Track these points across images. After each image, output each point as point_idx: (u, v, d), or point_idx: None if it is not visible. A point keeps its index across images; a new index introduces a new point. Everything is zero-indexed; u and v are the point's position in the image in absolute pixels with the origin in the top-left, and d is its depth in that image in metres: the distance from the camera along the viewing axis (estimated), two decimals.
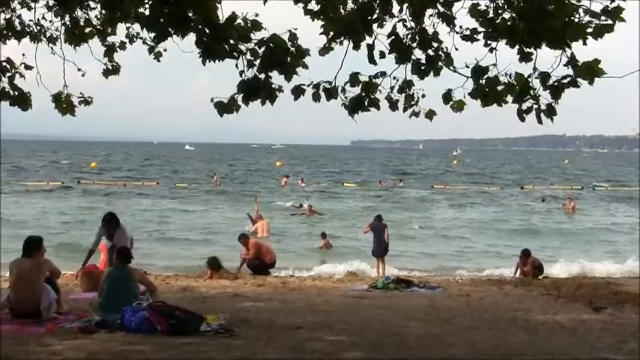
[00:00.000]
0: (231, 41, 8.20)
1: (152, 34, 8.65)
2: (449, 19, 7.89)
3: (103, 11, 9.50)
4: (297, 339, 10.10)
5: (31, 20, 10.13)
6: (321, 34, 8.19)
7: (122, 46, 10.47)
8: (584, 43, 7.33)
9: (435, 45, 8.12)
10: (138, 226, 33.69)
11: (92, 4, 9.53)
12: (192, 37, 8.19)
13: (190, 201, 49.21)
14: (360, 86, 8.30)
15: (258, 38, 8.21)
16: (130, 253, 12.38)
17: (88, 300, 12.46)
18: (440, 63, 8.12)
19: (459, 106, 8.13)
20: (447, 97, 8.08)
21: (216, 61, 8.30)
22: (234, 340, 9.97)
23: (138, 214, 39.76)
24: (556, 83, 7.57)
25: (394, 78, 8.29)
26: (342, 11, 8.28)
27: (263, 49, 8.17)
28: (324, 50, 8.25)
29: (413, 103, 8.40)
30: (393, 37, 8.07)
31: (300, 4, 8.32)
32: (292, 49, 8.18)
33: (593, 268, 24.92)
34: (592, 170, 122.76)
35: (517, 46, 7.67)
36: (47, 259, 11.99)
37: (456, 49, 8.06)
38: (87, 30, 9.98)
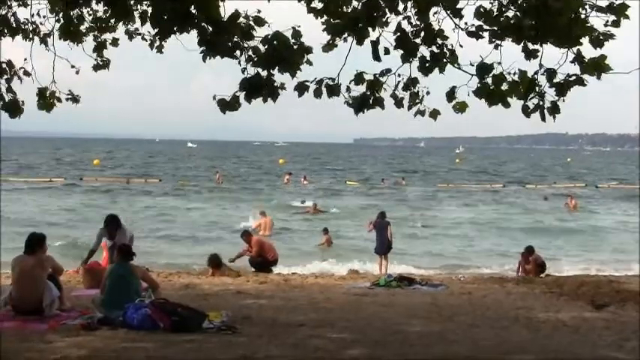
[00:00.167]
0: (235, 38, 8.20)
1: (154, 31, 8.64)
2: (455, 12, 7.87)
3: (105, 8, 9.49)
4: (300, 336, 10.10)
5: (26, 19, 10.14)
6: (324, 30, 8.18)
7: (114, 42, 10.51)
8: (595, 47, 7.33)
9: (440, 42, 8.11)
10: (140, 223, 33.76)
11: (94, 2, 9.54)
12: (194, 34, 8.18)
13: (193, 198, 49.27)
14: (364, 85, 8.29)
15: (261, 35, 8.21)
16: (132, 250, 12.39)
17: (90, 297, 12.47)
18: (445, 60, 8.10)
19: (461, 108, 8.13)
20: (451, 95, 8.08)
21: (219, 57, 8.30)
22: (236, 338, 9.97)
23: (140, 212, 39.85)
24: (562, 81, 7.57)
25: (398, 75, 8.29)
26: (345, 9, 8.26)
27: (266, 46, 8.16)
28: (328, 47, 8.23)
29: (418, 101, 8.40)
30: (398, 33, 8.05)
31: (303, 2, 8.31)
32: (295, 46, 8.17)
33: (595, 266, 24.98)
34: (595, 169, 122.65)
35: (522, 44, 7.66)
36: (49, 256, 12.00)
37: (461, 45, 8.05)
38: (81, 27, 10.01)
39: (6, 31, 9.91)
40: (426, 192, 59.08)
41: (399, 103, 8.42)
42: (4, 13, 9.95)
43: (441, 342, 10.10)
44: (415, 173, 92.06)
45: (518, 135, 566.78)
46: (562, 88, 7.59)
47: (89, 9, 9.91)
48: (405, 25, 8.10)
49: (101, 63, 10.61)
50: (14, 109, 9.87)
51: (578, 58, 7.45)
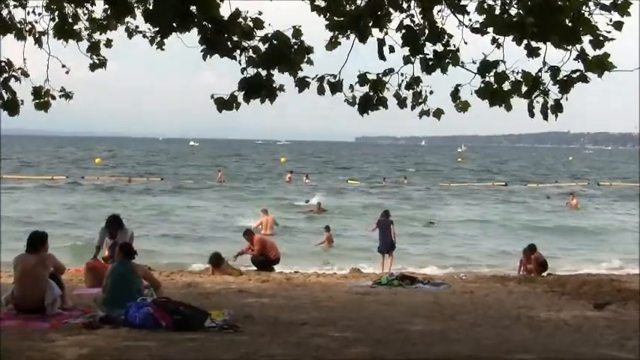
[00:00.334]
0: (235, 38, 8.20)
1: (155, 29, 8.65)
2: (459, 9, 7.86)
3: (106, 7, 9.50)
4: (302, 335, 10.10)
5: (22, 19, 10.15)
6: (327, 28, 8.17)
7: (108, 43, 10.53)
8: (595, 48, 7.33)
9: (444, 40, 8.10)
10: (142, 222, 33.76)
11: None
12: (195, 32, 8.19)
13: (195, 197, 49.21)
14: (368, 85, 8.30)
15: (261, 35, 8.20)
16: (133, 249, 12.39)
17: (92, 296, 12.49)
18: (447, 59, 8.10)
19: (463, 107, 8.14)
20: (455, 94, 8.08)
21: (219, 56, 8.29)
22: (238, 336, 9.98)
23: (142, 210, 39.81)
24: (565, 78, 7.57)
25: (402, 75, 8.30)
26: (348, 7, 8.26)
27: (266, 45, 8.16)
28: (331, 45, 8.23)
29: (421, 100, 8.40)
30: (404, 30, 8.04)
31: (307, 1, 8.31)
32: (296, 46, 8.17)
33: (597, 264, 24.97)
34: (596, 167, 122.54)
35: (525, 42, 7.65)
36: (51, 255, 12.01)
37: (465, 42, 8.05)
38: (75, 27, 10.03)
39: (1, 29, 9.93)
40: (428, 191, 59.04)
41: (402, 102, 8.42)
42: (4, 13, 9.98)
43: (442, 341, 10.10)
44: (417, 172, 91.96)
45: (519, 134, 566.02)
46: (565, 86, 7.60)
47: (84, 9, 9.94)
48: (408, 23, 8.10)
49: (98, 62, 10.64)
50: (13, 107, 9.91)
51: (582, 56, 7.45)
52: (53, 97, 10.28)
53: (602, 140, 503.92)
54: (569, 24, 7.37)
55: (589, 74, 7.54)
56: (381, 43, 8.04)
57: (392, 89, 8.37)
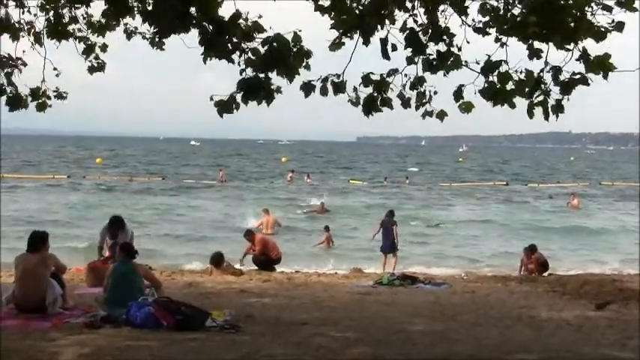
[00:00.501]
0: (234, 39, 8.18)
1: (154, 29, 8.63)
2: (462, 10, 7.86)
3: (106, 6, 9.49)
4: (303, 335, 10.10)
5: (23, 18, 10.16)
6: (331, 28, 8.16)
7: (104, 48, 10.54)
8: (597, 40, 7.32)
9: (447, 39, 8.09)
10: (143, 222, 33.78)
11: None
12: (195, 33, 8.18)
13: (196, 196, 49.21)
14: (372, 86, 8.29)
15: (261, 37, 8.18)
16: (134, 248, 12.39)
17: (93, 295, 12.49)
18: (450, 60, 8.08)
19: (467, 108, 8.13)
20: (458, 94, 8.07)
21: (218, 59, 8.28)
22: (239, 336, 9.97)
23: (143, 209, 39.81)
24: (567, 79, 7.56)
25: (405, 75, 8.29)
26: (353, 6, 8.24)
27: (265, 47, 8.14)
28: (335, 45, 8.21)
29: (425, 100, 8.39)
30: (407, 30, 8.03)
31: (311, 1, 8.29)
32: (295, 49, 8.13)
33: (598, 264, 24.96)
34: (598, 167, 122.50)
35: (527, 43, 7.64)
36: (52, 254, 12.01)
37: (468, 42, 8.04)
38: (69, 27, 10.04)
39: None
40: (430, 190, 59.05)
41: (406, 103, 8.41)
42: (2, 13, 9.99)
43: (443, 341, 10.10)
44: (420, 172, 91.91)
45: (520, 134, 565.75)
46: (567, 87, 7.59)
47: (83, 10, 9.95)
48: (411, 23, 8.09)
49: (96, 65, 10.65)
50: (16, 102, 9.93)
51: (584, 56, 7.44)
52: (49, 98, 10.31)
53: (604, 140, 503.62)
54: (572, 24, 7.35)
55: (590, 76, 7.52)
56: (384, 42, 8.03)
57: (395, 90, 8.36)
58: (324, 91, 8.22)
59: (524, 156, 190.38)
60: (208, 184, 60.14)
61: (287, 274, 19.26)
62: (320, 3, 8.24)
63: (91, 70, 10.66)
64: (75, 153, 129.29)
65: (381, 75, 8.26)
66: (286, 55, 8.05)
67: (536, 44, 7.63)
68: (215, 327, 10.42)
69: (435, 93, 8.42)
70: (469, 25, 7.88)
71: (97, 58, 10.58)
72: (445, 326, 11.26)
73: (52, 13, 9.87)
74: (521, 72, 7.76)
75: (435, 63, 8.09)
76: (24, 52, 10.05)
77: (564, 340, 10.38)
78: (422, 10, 8.07)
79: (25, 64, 10.07)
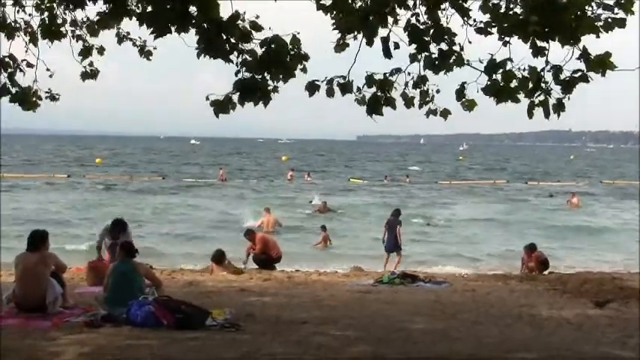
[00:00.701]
0: (232, 39, 8.16)
1: (149, 30, 8.58)
2: (463, 11, 7.85)
3: (106, 6, 9.48)
4: (303, 334, 10.09)
5: (22, 18, 10.16)
6: (334, 29, 8.15)
7: (101, 51, 10.52)
8: (597, 36, 7.32)
9: (449, 39, 8.07)
10: (143, 220, 33.79)
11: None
12: (193, 32, 8.15)
13: (196, 195, 49.21)
14: (375, 85, 8.27)
15: (259, 38, 8.16)
16: (134, 247, 12.39)
17: (93, 294, 12.48)
18: (452, 59, 8.06)
19: (469, 106, 8.12)
20: (461, 92, 8.06)
21: (213, 58, 8.25)
22: (240, 335, 9.97)
23: (144, 208, 39.82)
24: (567, 78, 7.55)
25: (408, 74, 8.28)
26: (355, 5, 8.23)
27: (263, 48, 8.11)
28: (340, 47, 8.20)
29: (428, 99, 8.38)
30: (410, 28, 8.01)
31: (313, 0, 8.28)
32: (292, 52, 8.11)
33: (598, 263, 24.96)
34: (598, 166, 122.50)
35: (530, 41, 7.63)
36: (52, 253, 12.01)
37: (470, 42, 8.02)
38: (62, 28, 10.04)
39: None
40: (431, 189, 59.07)
41: (409, 102, 8.40)
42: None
43: (444, 339, 10.09)
44: (419, 171, 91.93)
45: (520, 132, 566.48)
46: (568, 86, 7.58)
47: (83, 17, 9.96)
48: (414, 21, 8.07)
49: (90, 72, 10.63)
50: (23, 99, 9.95)
51: (584, 55, 7.43)
52: (40, 98, 10.31)
53: (604, 138, 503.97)
54: (572, 24, 7.35)
55: (590, 74, 7.52)
56: (385, 41, 8.01)
57: (399, 89, 8.35)
58: (330, 93, 8.20)
59: (525, 154, 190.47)
60: (208, 183, 60.16)
61: (287, 272, 19.25)
62: (322, 2, 8.22)
63: (84, 76, 10.65)
64: (74, 152, 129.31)
65: (384, 74, 8.25)
66: (283, 57, 8.03)
67: (539, 43, 7.62)
68: (215, 326, 10.41)
69: (438, 92, 8.41)
70: (470, 25, 7.87)
71: (91, 64, 10.57)
72: (445, 325, 11.25)
73: (46, 13, 9.87)
74: (524, 69, 7.74)
75: (437, 62, 8.08)
76: (26, 52, 10.07)
77: (564, 338, 10.37)
78: (423, 8, 8.05)
79: (30, 66, 10.07)
